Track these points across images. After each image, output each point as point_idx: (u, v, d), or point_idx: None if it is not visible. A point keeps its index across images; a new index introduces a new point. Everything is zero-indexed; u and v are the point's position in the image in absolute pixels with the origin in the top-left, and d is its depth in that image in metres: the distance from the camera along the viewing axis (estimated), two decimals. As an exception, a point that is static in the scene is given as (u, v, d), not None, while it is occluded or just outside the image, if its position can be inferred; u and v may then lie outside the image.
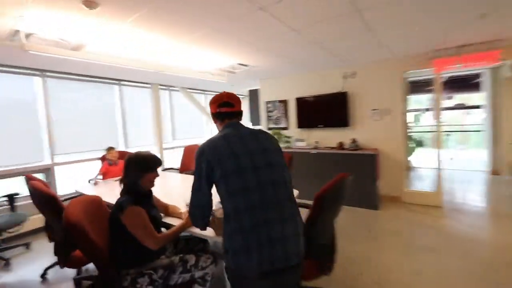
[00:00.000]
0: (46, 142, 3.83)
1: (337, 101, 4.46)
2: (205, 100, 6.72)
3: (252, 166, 1.25)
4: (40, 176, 3.73)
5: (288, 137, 4.94)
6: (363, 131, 4.38)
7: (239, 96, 1.62)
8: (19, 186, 3.37)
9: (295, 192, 2.13)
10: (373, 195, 3.90)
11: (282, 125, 5.19)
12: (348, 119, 4.39)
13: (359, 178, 3.95)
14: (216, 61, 3.69)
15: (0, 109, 3.43)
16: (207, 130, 6.84)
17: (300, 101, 4.86)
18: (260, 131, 1.46)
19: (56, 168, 3.89)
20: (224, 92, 1.48)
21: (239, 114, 1.47)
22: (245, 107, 6.07)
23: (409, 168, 6.23)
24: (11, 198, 3.09)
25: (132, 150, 4.91)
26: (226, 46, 3.10)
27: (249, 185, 1.21)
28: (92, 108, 4.42)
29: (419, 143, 7.73)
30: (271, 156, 1.32)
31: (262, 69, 4.41)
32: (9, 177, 3.49)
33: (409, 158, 6.53)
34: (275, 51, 3.40)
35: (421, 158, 6.81)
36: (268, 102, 5.36)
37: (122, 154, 4.13)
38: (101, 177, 3.58)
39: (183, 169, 4.42)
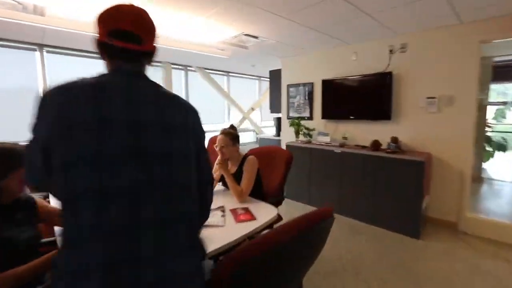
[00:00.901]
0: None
1: (376, 85, 3.33)
2: (227, 83, 6.09)
3: (131, 152, 0.70)
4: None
5: (309, 129, 4.00)
6: (410, 127, 3.20)
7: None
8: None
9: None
10: (415, 217, 2.80)
11: (305, 114, 4.26)
12: (390, 109, 3.25)
13: (397, 191, 2.88)
14: (218, 31, 2.97)
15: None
16: (229, 116, 6.25)
17: (327, 84, 3.83)
18: (174, 96, 0.85)
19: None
20: (127, 6, 0.78)
21: (145, 56, 0.83)
22: (264, 91, 5.27)
23: (479, 179, 4.67)
24: None
25: None
26: (230, 10, 2.34)
27: (110, 187, 0.67)
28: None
29: (501, 147, 5.84)
30: (176, 140, 0.78)
31: (282, 44, 3.53)
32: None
33: (483, 166, 4.92)
34: (299, 17, 2.50)
35: (500, 168, 5.09)
36: (290, 86, 4.44)
37: None
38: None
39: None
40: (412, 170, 2.78)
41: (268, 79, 5.28)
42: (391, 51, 3.27)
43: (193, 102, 0.89)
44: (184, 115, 0.82)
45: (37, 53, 3.53)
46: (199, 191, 0.84)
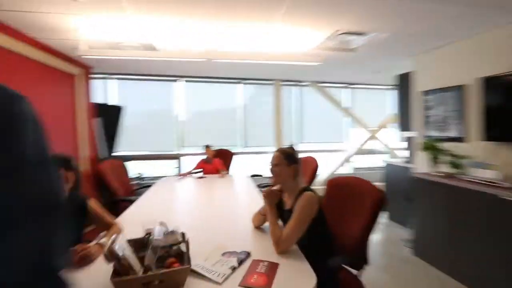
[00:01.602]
0: (177, 136, 4.60)
1: None
2: (351, 96, 5.27)
3: None
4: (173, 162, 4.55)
5: (458, 156, 2.58)
6: None
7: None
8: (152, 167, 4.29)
9: None
10: None
11: (452, 134, 2.83)
12: None
13: None
14: (304, 36, 2.54)
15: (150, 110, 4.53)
16: (347, 133, 5.36)
17: (494, 84, 2.35)
18: None
19: (182, 158, 4.58)
20: None
21: None
22: (390, 102, 3.86)
23: None
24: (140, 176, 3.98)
25: (250, 150, 4.80)
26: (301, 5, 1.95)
27: None
28: (217, 108, 4.76)
29: None
30: None
31: (404, 35, 2.56)
32: (153, 159, 4.54)
33: None
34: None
35: None
36: (426, 93, 3.13)
37: (220, 153, 4.09)
38: (199, 170, 3.67)
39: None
40: None
41: (398, 87, 4.06)
42: None
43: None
44: None
45: (175, 83, 4.49)
46: None
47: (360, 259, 1.52)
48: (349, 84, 5.21)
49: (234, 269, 1.16)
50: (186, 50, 2.85)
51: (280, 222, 1.48)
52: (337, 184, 1.87)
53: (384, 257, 2.85)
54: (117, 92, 4.34)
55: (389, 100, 5.35)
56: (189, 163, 4.57)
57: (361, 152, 5.26)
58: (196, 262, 1.20)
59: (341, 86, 5.21)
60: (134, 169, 4.24)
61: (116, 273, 0.99)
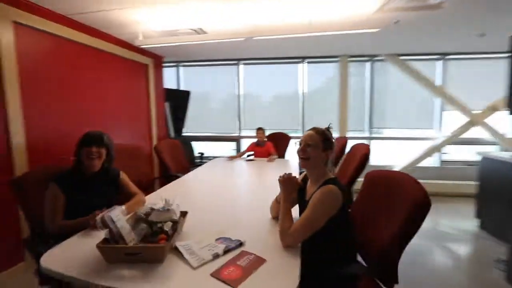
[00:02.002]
0: (239, 119, 4.74)
1: None
2: (442, 71, 4.18)
3: None
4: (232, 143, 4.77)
5: None
6: None
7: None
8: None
9: None
10: None
11: None
12: None
13: None
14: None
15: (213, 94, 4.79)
16: (441, 120, 4.31)
17: None
18: None
19: (241, 140, 4.73)
20: None
21: None
22: (502, 76, 2.60)
23: None
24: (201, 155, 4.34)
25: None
26: None
27: None
28: (278, 90, 4.62)
29: None
30: None
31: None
32: (214, 140, 4.86)
33: None
34: None
35: None
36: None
37: (275, 136, 4.01)
38: (250, 153, 3.74)
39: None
40: None
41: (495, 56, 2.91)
42: None
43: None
44: None
45: (236, 67, 4.56)
46: None
47: (386, 274, 1.21)
48: (441, 55, 4.11)
49: (216, 256, 1.10)
50: (239, 30, 2.81)
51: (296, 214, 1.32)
52: (374, 179, 1.51)
53: (463, 277, 2.22)
54: (186, 78, 4.78)
55: (501, 73, 3.94)
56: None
57: (457, 141, 4.17)
58: (188, 242, 1.20)
59: (430, 58, 4.17)
60: (198, 149, 4.66)
61: (106, 241, 1.09)
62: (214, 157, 4.07)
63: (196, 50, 3.90)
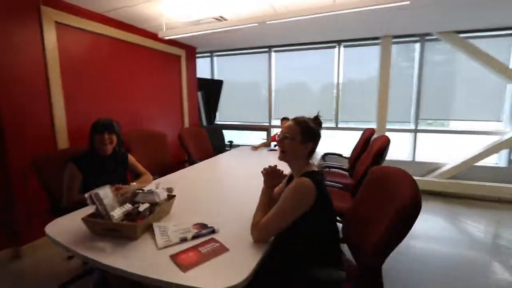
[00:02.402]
0: (269, 108, 4.67)
1: None
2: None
3: None
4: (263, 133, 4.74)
5: None
6: None
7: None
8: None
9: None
10: None
11: None
12: None
13: None
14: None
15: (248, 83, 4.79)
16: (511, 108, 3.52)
17: None
18: None
19: (272, 129, 4.67)
20: None
21: None
22: None
23: None
24: (230, 143, 4.45)
25: (348, 125, 4.22)
26: None
27: None
28: (311, 78, 4.38)
29: None
30: None
31: None
32: (245, 129, 4.90)
33: None
34: None
35: None
36: None
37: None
38: (274, 143, 3.70)
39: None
40: None
41: None
42: None
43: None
44: None
45: (267, 54, 4.46)
46: None
47: (368, 283, 1.07)
48: (518, 29, 3.30)
49: (184, 240, 1.13)
50: (259, 13, 2.74)
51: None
52: (374, 175, 1.34)
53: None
54: (220, 67, 4.89)
55: None
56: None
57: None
58: (167, 224, 1.27)
59: (500, 35, 3.39)
60: (230, 137, 4.78)
61: (93, 215, 1.21)
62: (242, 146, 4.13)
63: (227, 40, 3.94)
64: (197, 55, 4.39)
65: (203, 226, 1.26)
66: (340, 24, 3.21)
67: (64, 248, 1.13)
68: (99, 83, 2.70)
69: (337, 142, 4.34)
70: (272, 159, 2.97)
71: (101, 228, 1.17)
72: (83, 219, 1.18)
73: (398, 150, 4.01)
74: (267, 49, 4.45)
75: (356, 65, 4.09)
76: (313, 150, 1.19)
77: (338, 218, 1.90)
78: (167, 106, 3.75)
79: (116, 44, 2.86)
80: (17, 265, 2.05)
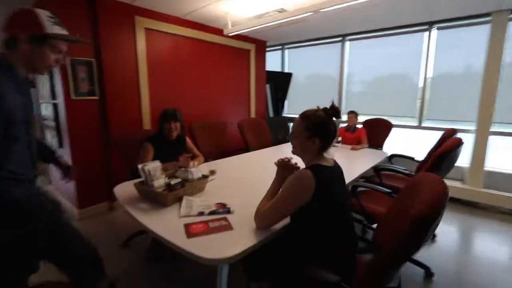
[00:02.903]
0: (339, 101, 4.37)
1: None
2: None
3: None
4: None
5: None
6: None
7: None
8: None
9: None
10: None
11: None
12: None
13: None
14: None
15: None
16: None
17: None
18: None
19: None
20: None
21: None
22: None
23: None
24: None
25: (428, 124, 3.58)
26: None
27: None
28: (393, 69, 3.85)
29: None
30: None
31: None
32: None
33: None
34: None
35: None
36: None
37: (372, 123, 3.48)
38: (339, 139, 3.50)
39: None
40: None
41: None
42: None
43: None
44: None
45: (340, 44, 4.14)
46: None
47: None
48: None
49: (201, 214, 1.28)
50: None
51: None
52: (413, 181, 1.15)
53: None
54: (292, 60, 4.87)
55: None
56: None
57: None
58: (196, 198, 1.46)
59: None
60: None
61: (142, 183, 1.51)
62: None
63: (296, 31, 3.89)
64: (269, 49, 4.52)
65: (223, 205, 1.38)
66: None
67: (121, 203, 1.47)
68: (175, 76, 3.19)
69: (420, 144, 3.71)
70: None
71: (144, 193, 1.45)
72: (134, 184, 1.49)
73: (505, 161, 3.11)
74: (340, 38, 4.15)
75: (452, 51, 3.34)
76: (324, 145, 1.11)
77: (368, 223, 1.70)
78: (235, 97, 4.05)
79: (191, 43, 3.29)
80: (111, 215, 2.72)
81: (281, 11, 2.82)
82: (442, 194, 0.83)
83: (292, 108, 4.97)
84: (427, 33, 3.46)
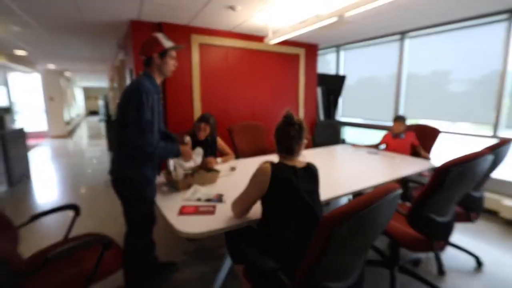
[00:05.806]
0: (396, 106, 3.97)
1: None
2: None
3: None
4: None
5: None
6: None
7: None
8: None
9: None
10: None
11: None
12: None
13: None
14: None
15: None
16: None
17: None
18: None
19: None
20: None
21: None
22: None
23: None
24: (343, 141, 4.24)
25: (453, 127, 2.94)
26: None
27: None
28: (453, 67, 3.28)
29: None
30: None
31: None
32: (364, 127, 4.43)
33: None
34: None
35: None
36: None
37: (417, 130, 3.10)
38: (383, 146, 3.27)
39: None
40: None
41: None
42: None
43: None
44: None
45: (399, 42, 3.75)
46: None
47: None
48: None
49: (198, 200, 1.58)
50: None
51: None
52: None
53: None
54: (347, 62, 4.68)
55: None
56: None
57: None
58: (202, 188, 1.78)
59: None
60: (353, 134, 4.56)
61: (169, 172, 1.92)
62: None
63: (348, 31, 3.77)
64: (323, 51, 4.48)
65: (219, 196, 1.64)
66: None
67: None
68: (225, 82, 3.63)
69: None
70: (356, 159, 2.72)
71: (167, 178, 1.86)
72: (162, 172, 1.92)
73: None
74: (399, 36, 3.77)
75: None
76: (280, 148, 1.26)
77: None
78: (282, 101, 4.23)
79: (238, 52, 3.67)
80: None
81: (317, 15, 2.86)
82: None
83: (347, 112, 4.77)
84: (506, 23, 2.81)
